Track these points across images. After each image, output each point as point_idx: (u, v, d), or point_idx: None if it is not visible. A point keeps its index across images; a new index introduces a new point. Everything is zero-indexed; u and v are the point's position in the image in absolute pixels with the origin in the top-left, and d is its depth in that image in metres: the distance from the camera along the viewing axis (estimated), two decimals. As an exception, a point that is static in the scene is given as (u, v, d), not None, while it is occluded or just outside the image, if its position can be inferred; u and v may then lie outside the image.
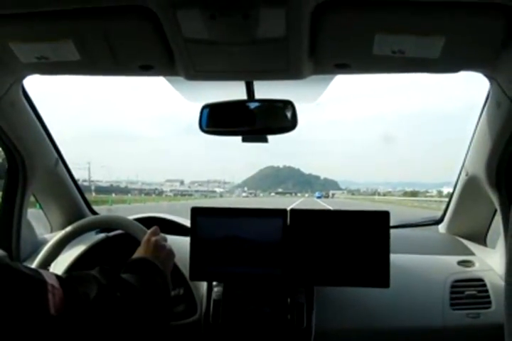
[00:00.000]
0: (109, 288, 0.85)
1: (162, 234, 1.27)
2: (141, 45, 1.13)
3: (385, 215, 1.42)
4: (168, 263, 1.19)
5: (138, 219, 1.53)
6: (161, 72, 1.29)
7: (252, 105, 1.51)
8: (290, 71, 1.23)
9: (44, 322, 0.71)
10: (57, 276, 0.79)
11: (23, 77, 1.40)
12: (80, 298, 0.78)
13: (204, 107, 1.50)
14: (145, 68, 1.24)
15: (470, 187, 1.67)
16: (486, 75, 1.26)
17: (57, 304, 0.73)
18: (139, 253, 1.16)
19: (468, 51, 1.12)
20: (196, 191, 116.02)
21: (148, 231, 1.26)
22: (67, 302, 0.74)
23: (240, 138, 1.58)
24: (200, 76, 1.29)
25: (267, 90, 1.50)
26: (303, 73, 1.24)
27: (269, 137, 1.62)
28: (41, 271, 0.78)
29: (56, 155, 1.75)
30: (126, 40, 1.12)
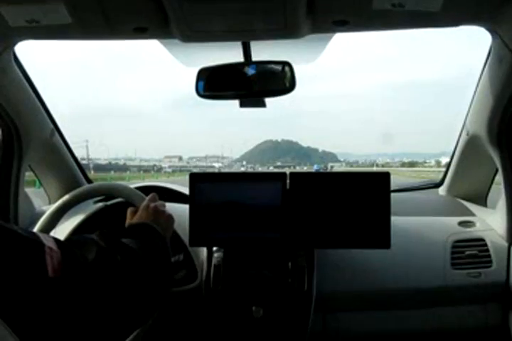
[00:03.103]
0: (108, 250, 0.84)
1: (161, 201, 1.26)
2: (135, 5, 1.09)
3: (385, 176, 1.40)
4: (168, 227, 1.18)
5: (137, 188, 1.52)
6: (156, 34, 1.25)
7: (249, 68, 1.47)
8: (287, 30, 1.19)
9: (42, 284, 0.70)
10: (55, 239, 0.78)
11: (14, 43, 1.35)
12: (79, 261, 0.77)
13: (200, 71, 1.47)
14: (139, 30, 1.20)
15: (471, 148, 1.65)
16: (488, 29, 1.22)
17: (55, 266, 0.71)
18: (138, 218, 1.15)
19: (470, 3, 1.08)
20: (195, 166, 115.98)
21: (147, 198, 1.25)
22: (65, 264, 0.73)
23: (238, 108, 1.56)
24: (195, 37, 1.25)
25: (264, 52, 1.46)
26: (300, 32, 1.20)
27: (268, 109, 1.60)
28: (38, 233, 0.77)
29: (52, 125, 1.72)
30: (118, 1, 1.08)
